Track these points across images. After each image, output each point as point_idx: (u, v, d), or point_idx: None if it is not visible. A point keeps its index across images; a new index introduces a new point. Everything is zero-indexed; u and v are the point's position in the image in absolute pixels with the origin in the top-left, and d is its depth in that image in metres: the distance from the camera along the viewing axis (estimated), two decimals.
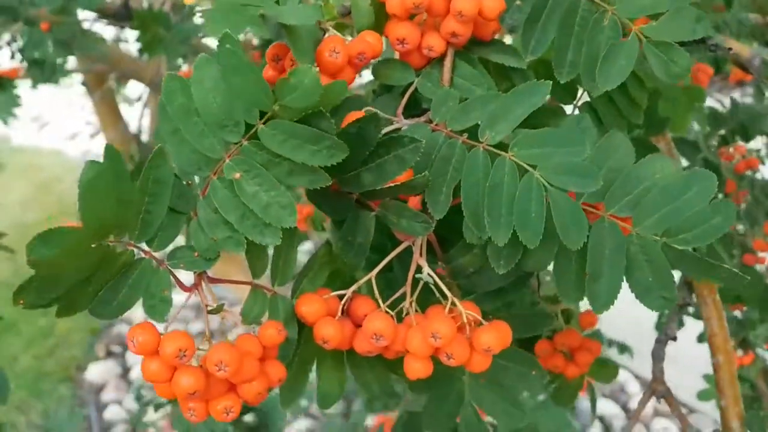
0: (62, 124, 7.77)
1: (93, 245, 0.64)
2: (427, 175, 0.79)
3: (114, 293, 0.71)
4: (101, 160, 0.63)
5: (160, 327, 0.70)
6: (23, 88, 2.53)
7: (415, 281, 0.87)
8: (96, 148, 7.05)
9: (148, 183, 0.70)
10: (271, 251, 0.82)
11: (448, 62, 0.89)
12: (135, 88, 4.52)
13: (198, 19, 2.76)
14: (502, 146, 0.81)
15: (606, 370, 1.35)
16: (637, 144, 1.22)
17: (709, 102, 1.94)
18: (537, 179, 0.78)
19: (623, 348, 3.17)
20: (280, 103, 0.70)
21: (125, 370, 4.79)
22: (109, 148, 0.64)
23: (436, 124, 0.85)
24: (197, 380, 0.67)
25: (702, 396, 2.46)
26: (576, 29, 0.87)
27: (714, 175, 0.80)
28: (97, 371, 4.71)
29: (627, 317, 2.11)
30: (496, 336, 0.83)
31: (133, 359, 4.83)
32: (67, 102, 7.61)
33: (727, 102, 1.93)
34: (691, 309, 1.92)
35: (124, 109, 3.93)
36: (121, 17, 2.75)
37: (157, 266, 0.72)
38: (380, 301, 0.86)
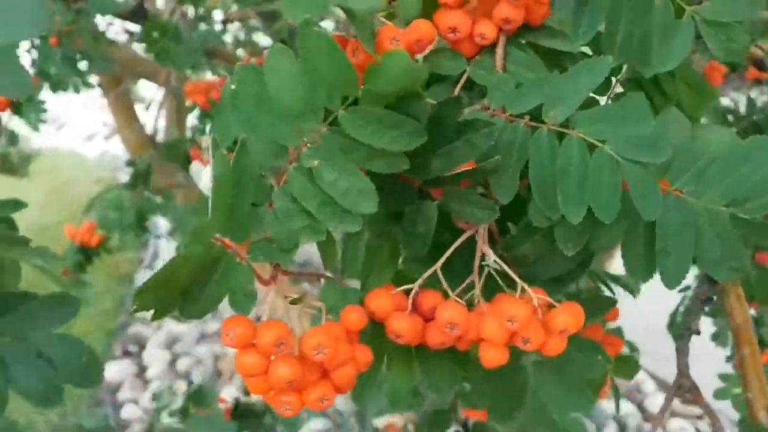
0: (79, 126, 7.75)
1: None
2: (498, 159, 0.76)
3: (201, 290, 0.68)
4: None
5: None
6: (42, 90, 2.53)
7: (481, 269, 0.85)
8: (112, 149, 7.08)
9: (237, 175, 0.67)
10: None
11: (500, 49, 0.87)
12: (150, 89, 4.48)
13: (214, 25, 2.74)
14: (565, 126, 0.79)
15: (627, 366, 1.33)
16: None
17: (725, 101, 1.93)
18: (608, 153, 0.76)
19: (633, 347, 3.13)
20: (367, 88, 0.67)
21: (141, 369, 4.75)
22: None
23: (493, 110, 0.83)
24: (294, 368, 0.63)
25: (719, 394, 2.42)
26: (625, 11, 0.85)
27: None
28: (113, 370, 4.65)
29: (639, 317, 2.10)
30: (571, 316, 0.81)
31: (149, 358, 4.79)
32: (84, 103, 7.45)
33: (743, 100, 1.92)
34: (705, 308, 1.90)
35: (139, 110, 3.89)
36: (136, 18, 2.73)
37: (238, 261, 0.69)
38: (450, 291, 0.83)
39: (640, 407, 4.32)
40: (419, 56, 0.87)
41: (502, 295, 0.85)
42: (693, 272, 1.32)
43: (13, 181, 3.79)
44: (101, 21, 2.93)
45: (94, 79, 3.33)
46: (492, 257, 0.84)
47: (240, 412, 2.74)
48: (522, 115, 0.81)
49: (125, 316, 5.26)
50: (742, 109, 1.93)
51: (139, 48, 3.40)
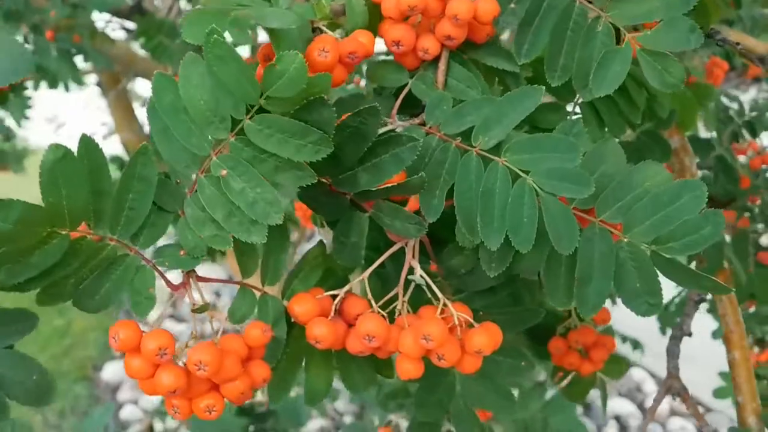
0: (78, 125, 7.59)
1: (63, 231, 0.62)
2: (423, 176, 0.76)
3: (97, 286, 0.68)
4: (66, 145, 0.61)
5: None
6: (41, 88, 2.51)
7: (408, 281, 0.85)
8: (111, 148, 6.98)
9: (132, 180, 0.66)
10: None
11: (442, 64, 0.86)
12: (147, 87, 4.46)
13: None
14: (495, 151, 0.78)
15: (616, 365, 1.31)
16: (649, 137, 1.21)
17: (726, 99, 1.90)
18: (529, 185, 0.75)
19: (636, 344, 3.12)
20: (268, 94, 0.66)
21: None
22: (85, 139, 0.62)
23: (429, 127, 0.82)
24: (178, 378, 0.64)
25: (718, 394, 2.39)
26: (569, 34, 0.83)
27: (704, 185, 0.77)
28: (113, 371, 4.62)
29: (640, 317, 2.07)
30: (488, 338, 0.81)
31: None
32: (83, 102, 7.52)
33: (742, 98, 1.89)
34: (706, 305, 1.88)
35: (138, 109, 3.88)
36: (134, 15, 2.72)
37: (142, 263, 0.69)
38: (373, 302, 0.83)
39: (641, 407, 4.30)
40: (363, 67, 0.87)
41: (426, 308, 0.85)
42: None
43: (13, 178, 3.80)
44: (99, 18, 2.90)
45: (92, 78, 3.33)
46: (419, 272, 0.84)
47: (243, 410, 2.76)
48: (455, 136, 0.81)
49: (125, 315, 5.27)
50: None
51: (136, 45, 3.38)
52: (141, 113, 3.85)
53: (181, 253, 0.70)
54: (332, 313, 0.83)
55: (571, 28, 0.84)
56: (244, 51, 2.52)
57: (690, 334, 1.25)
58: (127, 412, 4.32)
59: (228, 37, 0.63)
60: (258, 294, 0.80)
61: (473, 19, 0.81)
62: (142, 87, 4.86)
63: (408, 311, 0.85)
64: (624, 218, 0.79)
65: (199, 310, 0.68)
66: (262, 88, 0.66)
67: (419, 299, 0.86)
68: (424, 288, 0.85)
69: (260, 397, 2.81)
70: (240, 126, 0.68)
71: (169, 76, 0.67)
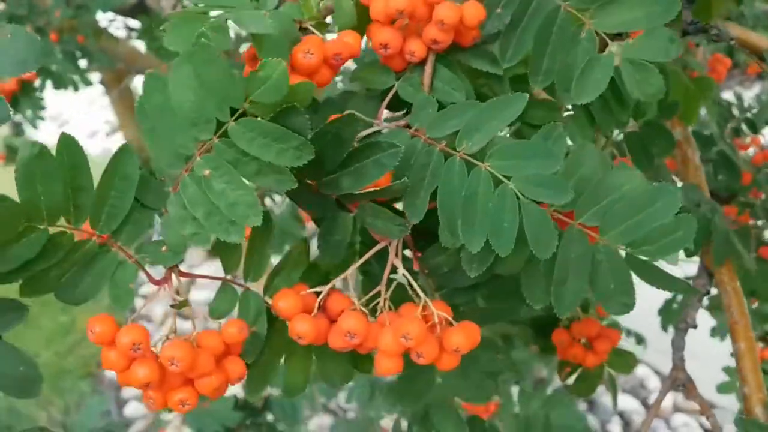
0: (82, 123, 7.62)
1: (41, 226, 0.63)
2: (406, 182, 0.76)
3: (78, 280, 0.68)
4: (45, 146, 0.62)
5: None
6: (45, 87, 2.49)
7: (390, 280, 0.86)
8: (114, 146, 6.86)
9: (114, 178, 0.67)
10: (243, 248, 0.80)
11: (428, 67, 0.86)
12: None
13: None
14: (478, 155, 0.78)
15: (624, 359, 1.31)
16: (652, 128, 1.21)
17: (729, 95, 1.89)
18: (511, 190, 0.75)
19: (640, 339, 3.11)
20: (251, 99, 0.66)
21: None
22: (65, 137, 0.62)
23: (415, 130, 0.82)
24: (151, 372, 0.64)
25: (722, 388, 2.38)
26: (553, 38, 0.83)
27: (678, 190, 0.78)
28: None
29: (647, 311, 2.07)
30: (465, 337, 0.81)
31: None
32: (88, 100, 7.47)
33: (746, 94, 1.88)
34: (706, 302, 1.87)
35: None
36: (138, 14, 2.71)
37: (123, 258, 0.70)
38: (355, 300, 0.84)
39: (645, 404, 4.29)
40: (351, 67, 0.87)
41: (406, 306, 0.86)
42: (692, 264, 1.30)
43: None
44: (103, 17, 2.89)
45: (95, 76, 3.32)
46: (401, 271, 0.85)
47: (240, 407, 2.77)
48: (439, 140, 0.81)
49: (129, 312, 5.24)
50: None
51: (140, 44, 3.37)
52: None
53: (163, 249, 0.71)
54: (316, 310, 0.83)
55: (555, 33, 0.83)
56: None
57: (695, 326, 1.25)
58: (132, 409, 4.32)
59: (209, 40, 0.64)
60: (240, 290, 0.81)
61: (459, 23, 0.82)
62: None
63: (390, 308, 0.85)
64: (601, 221, 0.80)
65: (179, 306, 0.69)
66: (245, 92, 0.67)
67: (402, 297, 0.86)
68: (407, 287, 0.85)
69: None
70: (224, 128, 0.68)
71: (161, 76, 0.68)
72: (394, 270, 0.86)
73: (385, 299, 0.85)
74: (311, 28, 0.80)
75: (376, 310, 0.85)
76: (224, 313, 0.78)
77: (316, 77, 0.78)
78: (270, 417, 2.83)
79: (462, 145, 0.79)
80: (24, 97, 2.30)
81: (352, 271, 0.85)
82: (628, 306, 0.81)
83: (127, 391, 4.43)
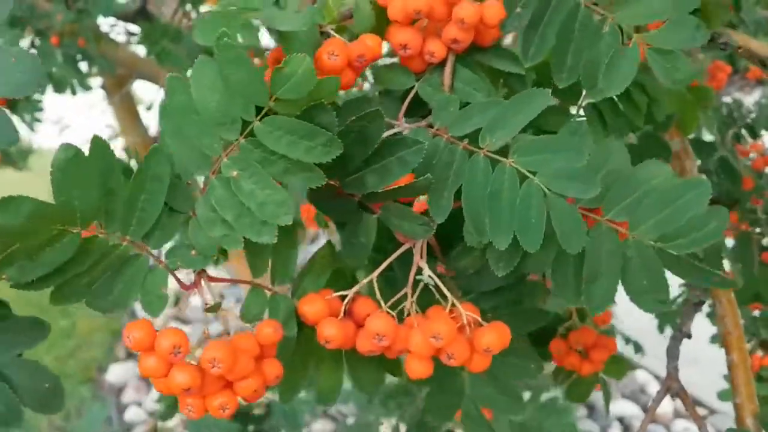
0: (82, 127, 7.58)
1: (74, 230, 0.62)
2: (429, 177, 0.75)
3: (110, 287, 0.68)
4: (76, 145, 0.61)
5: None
6: (46, 91, 2.47)
7: (416, 282, 0.85)
8: (116, 151, 6.85)
9: (145, 180, 0.66)
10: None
11: (448, 67, 0.85)
12: (149, 90, 4.42)
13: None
14: (502, 152, 0.78)
15: (618, 366, 1.30)
16: (649, 140, 1.21)
17: (729, 100, 1.89)
18: (537, 185, 0.74)
19: (638, 347, 3.10)
20: (276, 97, 0.66)
21: None
22: (96, 139, 0.62)
23: (437, 129, 0.82)
24: (192, 377, 0.63)
25: (722, 396, 2.38)
26: (575, 35, 0.83)
27: (708, 182, 0.77)
28: (117, 372, 4.58)
29: (645, 318, 2.06)
30: (496, 337, 0.80)
31: None
32: (88, 105, 7.42)
33: (746, 100, 1.89)
34: (708, 309, 1.87)
35: (143, 112, 3.85)
36: (139, 19, 2.71)
37: (154, 263, 0.69)
38: (382, 302, 0.83)
39: (644, 409, 4.23)
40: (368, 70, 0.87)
41: (434, 308, 0.85)
42: None
43: (18, 180, 3.78)
44: (104, 22, 2.89)
45: (96, 81, 3.32)
46: (427, 272, 0.84)
47: (241, 413, 2.75)
48: (462, 138, 0.80)
49: (129, 317, 5.22)
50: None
51: (140, 49, 3.38)
52: (145, 116, 3.83)
53: (192, 253, 0.70)
54: (341, 314, 0.82)
55: (577, 30, 0.83)
56: None
57: (690, 336, 1.24)
58: (132, 414, 4.29)
59: (239, 39, 0.63)
60: (269, 294, 0.80)
61: (479, 22, 0.81)
62: (145, 90, 4.83)
63: (416, 312, 0.84)
64: (630, 216, 0.79)
65: (212, 309, 0.68)
66: (271, 90, 0.66)
67: (427, 301, 0.85)
68: (432, 289, 0.84)
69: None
70: (250, 128, 0.68)
71: (182, 77, 0.67)
72: (418, 272, 0.85)
73: (411, 302, 0.84)
74: (331, 31, 0.80)
75: (402, 314, 0.84)
76: (256, 316, 0.77)
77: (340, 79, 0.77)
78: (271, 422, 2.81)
79: (485, 142, 0.78)
80: (23, 100, 2.30)
81: (377, 274, 0.84)
82: (662, 303, 0.79)
83: (128, 396, 4.41)
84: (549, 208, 0.74)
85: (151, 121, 3.80)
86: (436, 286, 0.83)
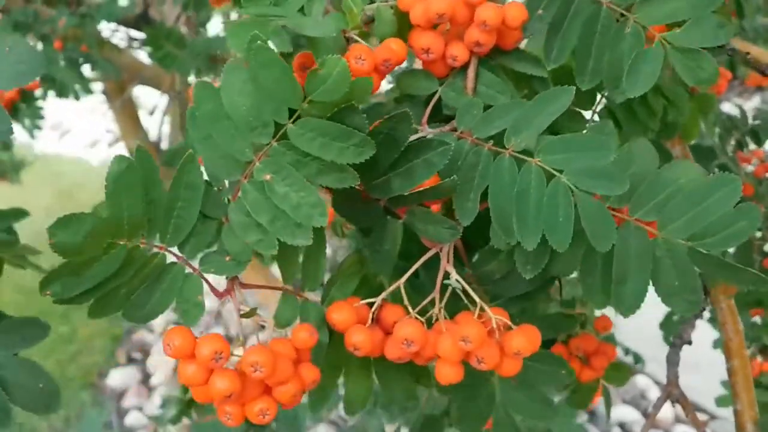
0: (83, 132, 7.58)
1: (121, 242, 0.61)
2: (455, 179, 0.75)
3: (147, 297, 0.67)
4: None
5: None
6: (48, 96, 2.49)
7: (443, 287, 0.84)
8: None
9: (180, 188, 0.66)
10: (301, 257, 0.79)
11: (471, 71, 0.85)
12: (151, 95, 4.41)
13: (218, 32, 2.70)
14: (527, 152, 0.77)
15: (619, 373, 1.30)
16: None
17: (728, 107, 1.90)
18: (564, 183, 0.74)
19: (638, 358, 3.09)
20: (310, 99, 0.66)
21: (146, 376, 4.64)
22: (140, 149, 0.61)
23: (461, 132, 0.82)
24: (233, 382, 0.62)
25: (720, 402, 2.37)
26: (597, 37, 0.84)
27: (738, 179, 0.76)
28: (118, 377, 4.55)
29: (646, 323, 2.05)
30: (526, 340, 0.79)
31: (154, 365, 4.69)
32: (89, 110, 7.35)
33: (746, 106, 1.89)
34: (708, 315, 1.86)
35: (144, 117, 3.84)
36: (141, 25, 2.71)
37: (190, 271, 0.69)
38: (410, 308, 0.82)
39: (645, 414, 4.22)
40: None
41: (463, 313, 0.84)
42: None
43: (19, 185, 3.77)
44: (106, 27, 2.90)
45: (97, 86, 3.32)
46: (454, 276, 0.83)
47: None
48: (486, 140, 0.80)
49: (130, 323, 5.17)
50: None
51: (142, 54, 3.35)
52: (147, 121, 3.83)
53: (227, 259, 0.69)
54: (369, 321, 0.82)
55: (599, 32, 0.84)
56: None
57: (690, 343, 1.24)
58: (132, 419, 4.26)
59: (271, 45, 0.63)
60: (299, 300, 0.79)
61: (502, 24, 0.81)
62: (146, 95, 4.82)
63: (444, 317, 0.84)
64: (658, 215, 0.79)
65: (247, 315, 0.68)
66: (304, 92, 0.66)
67: (454, 307, 0.84)
68: (460, 293, 0.84)
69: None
70: (283, 130, 0.68)
71: (210, 84, 0.67)
72: (445, 277, 0.84)
73: (440, 307, 0.83)
74: (356, 37, 0.80)
75: (430, 321, 0.84)
76: (289, 322, 0.77)
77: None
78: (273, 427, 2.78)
79: (510, 143, 0.78)
80: (24, 106, 2.29)
81: (404, 280, 0.84)
82: (695, 304, 0.78)
83: (128, 401, 4.39)
84: (577, 206, 0.74)
85: (151, 125, 3.78)
86: (464, 291, 0.83)
